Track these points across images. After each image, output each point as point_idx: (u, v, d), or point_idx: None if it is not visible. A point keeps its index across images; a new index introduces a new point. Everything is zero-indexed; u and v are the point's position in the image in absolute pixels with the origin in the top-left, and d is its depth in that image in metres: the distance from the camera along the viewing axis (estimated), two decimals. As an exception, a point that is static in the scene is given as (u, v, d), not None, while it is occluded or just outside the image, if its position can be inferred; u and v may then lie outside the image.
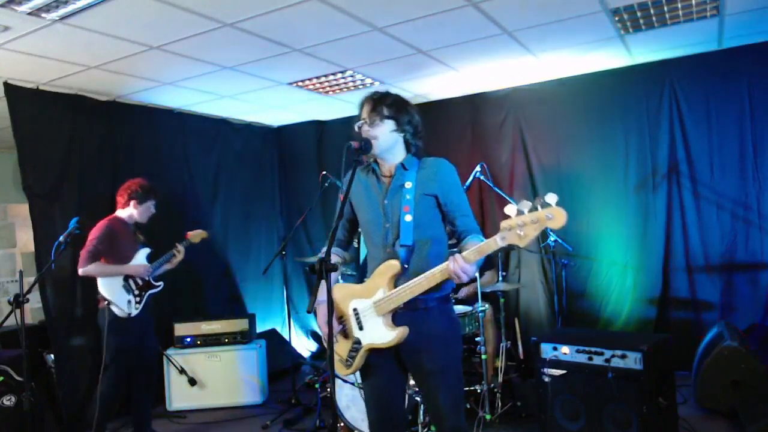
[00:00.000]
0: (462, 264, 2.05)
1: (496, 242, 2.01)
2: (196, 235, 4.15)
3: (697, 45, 4.36)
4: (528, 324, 5.15)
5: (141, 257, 3.89)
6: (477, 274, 4.00)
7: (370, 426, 2.43)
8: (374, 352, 2.31)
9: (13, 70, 3.92)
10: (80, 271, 3.62)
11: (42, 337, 4.36)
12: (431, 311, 2.27)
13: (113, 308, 3.68)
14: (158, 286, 3.94)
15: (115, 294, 3.71)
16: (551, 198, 1.89)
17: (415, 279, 2.18)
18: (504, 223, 1.98)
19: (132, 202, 3.84)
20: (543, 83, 5.11)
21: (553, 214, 1.88)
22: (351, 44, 3.89)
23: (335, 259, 2.54)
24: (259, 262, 6.13)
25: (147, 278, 3.85)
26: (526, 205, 1.94)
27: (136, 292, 3.79)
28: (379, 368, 2.35)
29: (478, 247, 2.07)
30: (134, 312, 3.75)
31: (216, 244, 5.74)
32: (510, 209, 1.98)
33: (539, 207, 1.91)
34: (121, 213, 3.86)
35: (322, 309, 2.36)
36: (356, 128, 2.35)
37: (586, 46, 4.25)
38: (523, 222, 1.93)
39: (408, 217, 2.26)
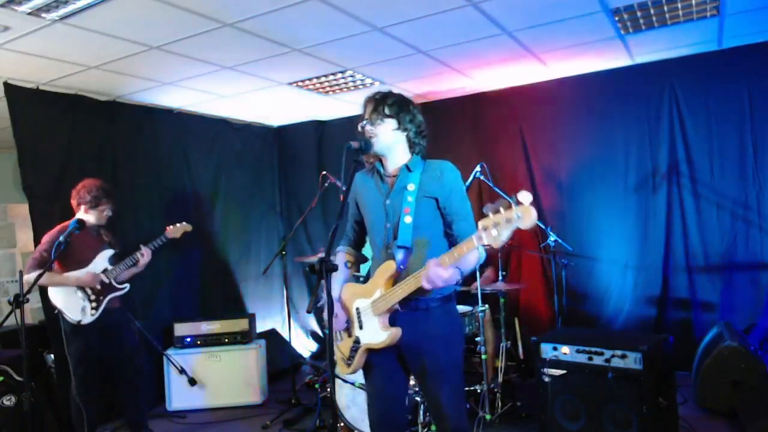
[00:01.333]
0: (434, 268, 2.02)
1: (473, 242, 1.99)
2: (176, 230, 4.00)
3: (697, 45, 4.36)
4: (528, 324, 5.15)
5: (102, 260, 3.75)
6: (477, 273, 4.01)
7: (370, 425, 2.44)
8: (375, 352, 2.31)
9: (13, 70, 3.92)
10: (24, 278, 3.35)
11: (42, 337, 4.36)
12: (432, 311, 2.27)
13: (65, 316, 3.61)
14: (122, 288, 3.78)
15: (64, 301, 3.62)
16: (524, 197, 1.88)
17: (404, 280, 2.18)
18: (481, 223, 1.96)
19: (82, 208, 3.73)
20: (543, 83, 5.10)
21: (521, 214, 1.86)
22: (351, 44, 3.89)
23: (347, 259, 2.55)
24: (259, 262, 6.14)
25: (108, 281, 3.70)
26: (503, 204, 1.92)
27: (92, 297, 3.65)
28: (381, 368, 2.36)
29: (453, 250, 2.05)
30: (88, 319, 3.62)
31: (216, 244, 5.74)
32: (488, 208, 1.96)
33: (513, 206, 1.90)
34: (79, 216, 3.72)
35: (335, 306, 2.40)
36: (359, 128, 2.36)
37: (586, 46, 4.25)
38: (497, 221, 1.91)
39: (408, 219, 2.26)
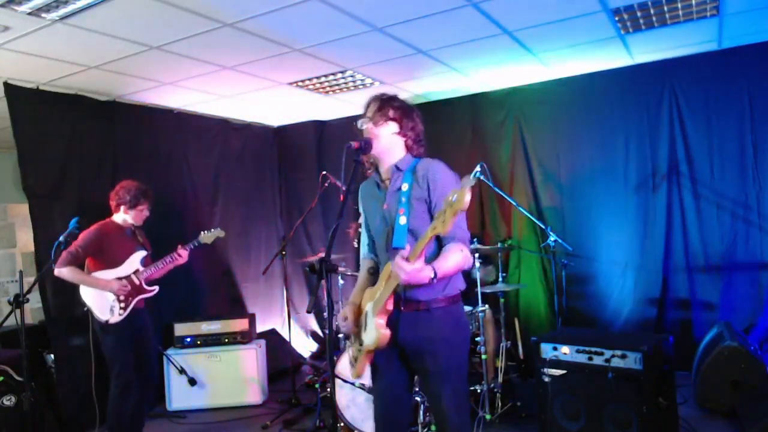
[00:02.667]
0: (397, 259, 2.00)
1: (428, 234, 1.98)
2: (210, 236, 4.05)
3: (697, 45, 4.36)
4: (528, 324, 5.15)
5: (134, 261, 3.77)
6: (478, 273, 4.01)
7: (375, 424, 2.44)
8: (379, 354, 2.31)
9: (13, 70, 3.92)
10: (55, 272, 3.53)
11: (42, 337, 4.36)
12: (434, 312, 2.26)
13: (94, 314, 3.62)
14: (151, 290, 3.81)
15: (94, 300, 3.63)
16: (465, 180, 1.88)
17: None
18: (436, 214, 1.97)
19: (122, 208, 3.77)
20: (543, 83, 5.11)
21: (456, 196, 1.85)
22: (351, 44, 3.89)
23: (369, 265, 2.54)
24: (259, 262, 6.14)
25: (138, 283, 3.74)
26: (454, 192, 1.90)
27: (122, 298, 3.66)
28: (385, 369, 2.36)
29: (417, 244, 2.03)
30: (115, 319, 3.62)
31: (216, 244, 5.72)
32: (450, 193, 1.94)
33: (452, 191, 1.89)
34: (116, 217, 3.81)
35: (347, 309, 2.43)
36: (358, 124, 2.37)
37: (586, 46, 4.25)
38: (444, 209, 1.91)
39: (402, 220, 2.25)
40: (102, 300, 3.64)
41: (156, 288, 3.86)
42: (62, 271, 3.56)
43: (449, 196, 1.89)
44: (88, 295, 3.65)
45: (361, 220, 2.60)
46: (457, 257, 2.15)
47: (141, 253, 3.83)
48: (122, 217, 3.80)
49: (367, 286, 2.47)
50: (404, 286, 2.17)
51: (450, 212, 1.88)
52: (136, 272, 3.76)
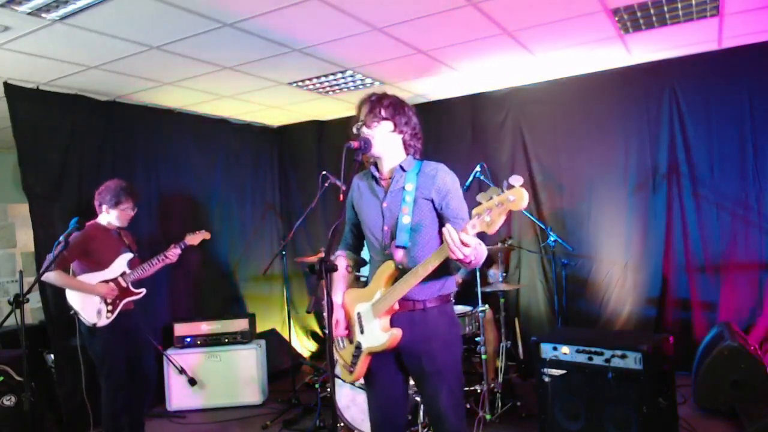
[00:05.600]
0: (464, 237, 1.93)
1: (467, 230, 1.95)
2: (195, 237, 4.02)
3: (697, 45, 4.36)
4: (528, 324, 5.15)
5: (121, 263, 3.72)
6: (478, 272, 4.01)
7: (371, 427, 2.43)
8: (375, 356, 2.30)
9: (13, 70, 3.92)
10: (43, 276, 3.41)
11: (42, 337, 4.36)
12: (430, 312, 2.26)
13: (81, 318, 3.57)
14: (139, 293, 3.75)
15: (81, 303, 3.58)
16: (515, 180, 1.86)
17: (407, 274, 2.16)
18: (474, 211, 1.93)
19: (104, 208, 3.69)
20: (543, 83, 5.10)
21: (514, 196, 1.83)
22: (351, 44, 3.89)
23: (347, 263, 2.54)
24: (259, 262, 6.13)
25: (125, 285, 3.70)
26: (495, 190, 1.89)
27: (109, 301, 3.61)
28: (380, 372, 2.35)
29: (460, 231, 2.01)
30: (103, 322, 3.57)
31: (216, 244, 5.73)
32: (481, 196, 1.93)
33: (504, 190, 1.87)
34: (100, 219, 3.73)
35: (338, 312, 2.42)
36: (354, 130, 2.36)
37: (586, 46, 4.25)
38: (489, 207, 1.88)
39: (406, 219, 2.25)
40: (89, 303, 3.59)
41: (143, 290, 3.79)
42: (49, 276, 3.45)
43: (494, 196, 1.85)
44: (75, 298, 3.60)
45: (348, 212, 2.55)
46: (480, 249, 2.15)
47: (127, 256, 3.77)
48: (106, 218, 3.71)
49: (348, 285, 2.46)
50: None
51: (500, 212, 1.86)
52: (122, 275, 3.70)
